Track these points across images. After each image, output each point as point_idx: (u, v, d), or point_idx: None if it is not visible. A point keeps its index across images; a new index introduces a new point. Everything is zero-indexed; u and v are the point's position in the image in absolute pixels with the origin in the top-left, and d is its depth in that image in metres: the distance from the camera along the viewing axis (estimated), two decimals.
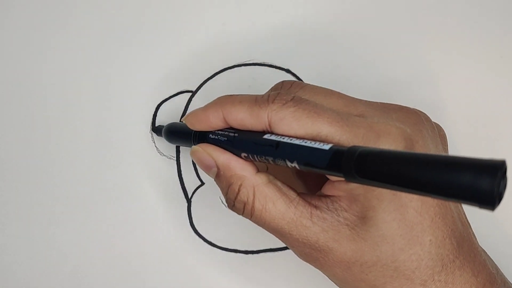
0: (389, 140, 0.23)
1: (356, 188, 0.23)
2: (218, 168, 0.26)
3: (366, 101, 0.26)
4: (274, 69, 0.35)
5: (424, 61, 0.35)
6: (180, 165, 0.34)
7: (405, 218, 0.23)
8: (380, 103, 0.26)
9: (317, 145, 0.22)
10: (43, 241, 0.34)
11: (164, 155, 0.34)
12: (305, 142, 0.22)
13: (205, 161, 0.26)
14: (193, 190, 0.34)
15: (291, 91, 0.26)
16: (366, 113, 0.25)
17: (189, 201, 0.34)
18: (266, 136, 0.24)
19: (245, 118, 0.25)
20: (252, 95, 0.26)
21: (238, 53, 0.35)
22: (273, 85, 0.28)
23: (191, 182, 0.34)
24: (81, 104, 0.35)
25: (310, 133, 0.23)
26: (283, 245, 0.34)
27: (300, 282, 0.34)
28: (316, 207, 0.24)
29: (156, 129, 0.34)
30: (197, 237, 0.34)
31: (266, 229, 0.26)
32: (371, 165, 0.18)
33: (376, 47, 0.35)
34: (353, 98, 0.26)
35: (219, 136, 0.26)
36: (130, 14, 0.35)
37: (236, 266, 0.34)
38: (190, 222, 0.34)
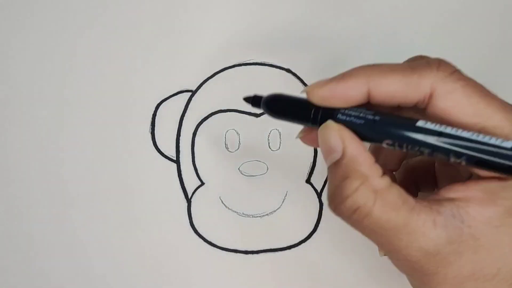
0: None
1: (509, 190, 0.21)
2: (342, 156, 0.22)
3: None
4: (274, 69, 0.35)
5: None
6: (180, 165, 0.34)
7: None
8: None
9: (494, 141, 0.19)
10: (43, 241, 0.34)
11: (164, 155, 0.34)
12: (478, 136, 0.19)
13: (332, 143, 0.22)
14: (193, 190, 0.34)
15: (448, 62, 0.22)
16: None
17: (189, 201, 0.34)
18: (420, 124, 0.21)
19: (399, 89, 0.21)
20: (400, 63, 0.22)
21: (238, 53, 0.35)
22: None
23: (191, 182, 0.34)
24: (81, 104, 0.35)
25: (479, 115, 0.20)
26: (283, 245, 0.34)
27: (300, 282, 0.34)
28: (439, 213, 0.21)
29: (253, 100, 0.26)
30: (197, 237, 0.34)
31: (373, 238, 0.22)
32: None
33: (376, 47, 0.35)
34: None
35: (352, 118, 0.22)
36: (130, 14, 0.35)
37: (236, 266, 0.34)
38: (190, 222, 0.34)
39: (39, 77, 0.35)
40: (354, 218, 0.22)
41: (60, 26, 0.35)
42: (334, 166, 0.22)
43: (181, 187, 0.34)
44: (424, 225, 0.21)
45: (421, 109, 0.22)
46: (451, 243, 0.21)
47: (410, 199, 0.21)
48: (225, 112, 0.34)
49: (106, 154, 0.34)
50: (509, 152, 0.18)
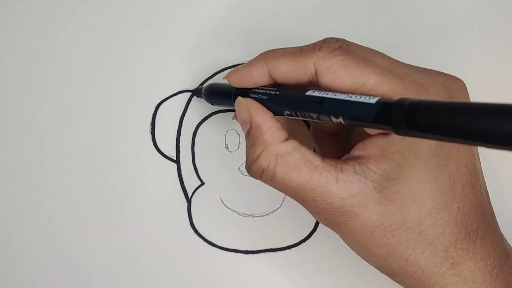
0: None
1: (393, 144, 0.23)
2: (250, 127, 0.25)
3: (410, 64, 0.26)
4: None
5: (424, 60, 0.35)
6: (180, 165, 0.34)
7: (438, 182, 0.23)
8: (423, 68, 0.26)
9: (363, 99, 0.21)
10: (43, 241, 0.34)
11: (164, 155, 0.34)
12: (350, 97, 0.22)
13: (243, 116, 0.26)
14: (193, 190, 0.34)
15: (336, 41, 0.25)
16: (411, 74, 0.24)
17: (189, 201, 0.34)
18: (309, 93, 0.23)
19: (290, 70, 0.24)
20: (295, 47, 0.25)
21: (238, 53, 0.35)
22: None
23: (191, 182, 0.34)
24: (81, 104, 0.35)
25: (356, 82, 0.22)
26: (283, 245, 0.34)
27: (300, 282, 0.34)
28: (342, 170, 0.23)
29: (196, 91, 0.33)
30: (197, 237, 0.34)
31: (287, 194, 0.25)
32: (423, 116, 0.18)
33: (376, 47, 0.35)
34: (398, 60, 0.26)
35: (260, 95, 0.26)
36: (130, 14, 0.35)
37: (236, 266, 0.34)
38: (190, 222, 0.34)
39: (39, 77, 0.35)
40: (263, 179, 0.25)
41: (60, 26, 0.35)
42: (247, 136, 0.26)
43: (181, 187, 0.34)
44: (326, 182, 0.23)
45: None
46: (354, 196, 0.23)
47: (315, 160, 0.24)
48: (225, 112, 0.34)
49: (106, 154, 0.34)
50: (373, 106, 0.20)
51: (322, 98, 0.23)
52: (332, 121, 0.22)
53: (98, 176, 0.34)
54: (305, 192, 0.24)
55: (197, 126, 0.34)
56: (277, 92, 0.25)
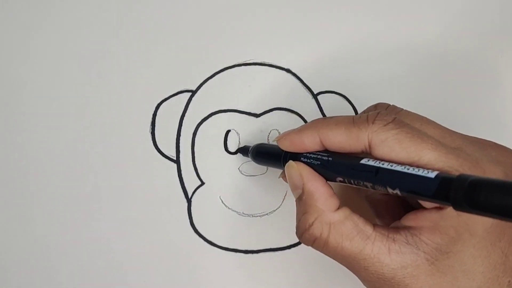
0: None
1: (448, 218, 0.23)
2: (302, 192, 0.26)
3: (461, 134, 0.26)
4: (274, 69, 0.35)
5: (424, 60, 0.35)
6: (180, 165, 0.34)
7: (490, 257, 0.23)
8: (475, 137, 0.26)
9: (421, 172, 0.21)
10: (43, 241, 0.34)
11: (164, 155, 0.34)
12: (408, 169, 0.22)
13: (295, 181, 0.26)
14: (193, 190, 0.34)
15: (389, 112, 0.25)
16: (463, 146, 0.24)
17: (189, 201, 0.34)
18: (364, 161, 0.23)
19: (343, 141, 0.24)
20: (347, 116, 0.25)
21: (238, 53, 0.35)
22: (365, 108, 0.28)
23: (191, 182, 0.34)
24: (81, 104, 0.35)
25: (412, 157, 0.22)
26: (283, 245, 0.34)
27: (300, 282, 0.34)
28: (394, 241, 0.24)
29: (242, 150, 0.34)
30: (197, 237, 0.34)
31: (337, 261, 0.25)
32: (485, 195, 0.18)
33: (376, 46, 0.35)
34: (449, 129, 0.26)
35: (311, 160, 0.26)
36: (131, 14, 0.35)
37: (236, 266, 0.34)
38: (190, 222, 0.34)
39: (39, 77, 0.35)
40: (315, 247, 0.25)
41: (60, 26, 0.35)
42: (298, 201, 0.26)
43: (181, 187, 0.34)
44: (378, 252, 0.24)
45: None
46: (406, 267, 0.23)
47: (367, 229, 0.24)
48: (225, 112, 0.34)
49: (106, 154, 0.34)
50: (432, 181, 0.20)
51: (378, 168, 0.23)
52: (387, 191, 0.22)
53: (98, 176, 0.34)
54: (357, 261, 0.24)
55: (197, 126, 0.34)
56: (330, 158, 0.25)
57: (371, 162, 0.23)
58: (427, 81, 0.35)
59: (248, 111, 0.34)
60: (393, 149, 0.23)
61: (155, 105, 0.34)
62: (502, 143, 0.26)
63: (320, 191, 0.25)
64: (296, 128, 0.27)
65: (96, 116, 0.34)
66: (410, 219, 0.24)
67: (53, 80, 0.35)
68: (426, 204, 0.23)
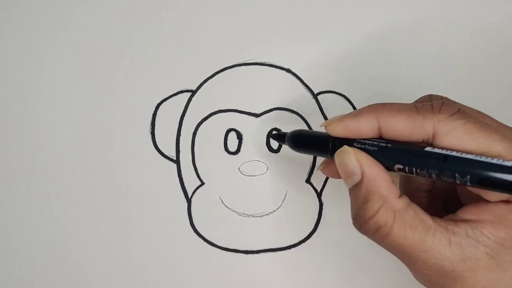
0: None
1: (510, 212, 0.22)
2: (362, 179, 0.24)
3: None
4: (274, 69, 0.35)
5: (424, 60, 0.35)
6: (180, 165, 0.34)
7: None
8: None
9: (496, 161, 0.20)
10: (43, 241, 0.34)
11: (164, 155, 0.34)
12: (480, 157, 0.21)
13: (350, 166, 0.24)
14: (193, 190, 0.34)
15: (452, 103, 0.24)
16: None
17: (189, 201, 0.34)
18: (428, 149, 0.22)
19: (405, 129, 0.23)
20: (408, 103, 0.24)
21: (238, 53, 0.35)
22: (417, 98, 0.27)
23: (191, 182, 0.34)
24: (81, 104, 0.35)
25: (481, 148, 0.22)
26: (283, 245, 0.34)
27: (300, 282, 0.34)
28: (454, 233, 0.23)
29: (277, 136, 0.32)
30: (197, 237, 0.34)
31: (394, 253, 0.24)
32: None
33: (376, 46, 0.35)
34: (503, 123, 0.25)
35: (367, 146, 0.24)
36: (130, 14, 0.35)
37: (236, 266, 0.34)
38: (190, 222, 0.34)
39: (39, 77, 0.35)
40: (377, 237, 0.24)
41: (60, 26, 0.35)
42: (355, 188, 0.24)
43: (181, 187, 0.34)
44: (440, 244, 0.23)
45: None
46: (465, 260, 0.22)
47: (427, 219, 0.23)
48: (225, 112, 0.34)
49: (106, 154, 0.34)
50: (509, 169, 0.20)
51: (446, 155, 0.22)
52: (454, 180, 0.22)
53: (98, 176, 0.34)
54: (417, 252, 0.23)
55: (197, 126, 0.34)
56: (389, 145, 0.24)
57: (437, 150, 0.22)
58: (427, 81, 0.35)
59: (248, 111, 0.34)
60: (461, 139, 0.22)
61: (155, 105, 0.34)
62: None
63: (382, 176, 0.24)
64: (350, 113, 0.25)
65: (96, 116, 0.34)
66: (470, 212, 0.23)
67: (53, 80, 0.35)
68: (493, 196, 0.23)
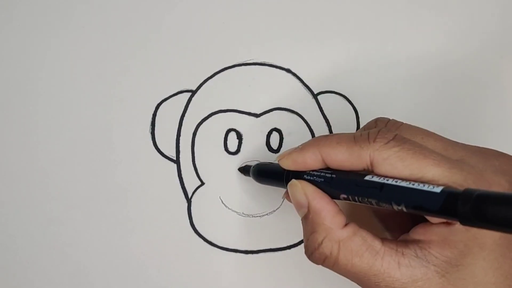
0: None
1: (456, 233, 0.23)
2: (308, 211, 0.25)
3: (463, 144, 0.26)
4: (274, 69, 0.35)
5: (425, 60, 0.35)
6: (180, 165, 0.34)
7: (502, 268, 0.23)
8: (477, 147, 0.26)
9: (426, 187, 0.21)
10: (43, 241, 0.34)
11: (164, 155, 0.34)
12: (413, 184, 0.22)
13: (299, 199, 0.26)
14: (193, 190, 0.34)
15: (389, 129, 0.25)
16: (466, 158, 0.24)
17: (189, 201, 0.34)
18: (368, 178, 0.23)
19: (344, 159, 0.24)
20: (348, 134, 0.25)
21: (238, 53, 0.35)
22: (365, 124, 0.28)
23: (191, 182, 0.34)
24: (81, 104, 0.35)
25: (415, 174, 0.22)
26: (283, 245, 0.34)
27: (300, 282, 0.34)
28: (403, 255, 0.24)
29: (243, 169, 0.33)
30: (197, 237, 0.34)
31: (348, 278, 0.25)
32: (492, 209, 0.18)
33: (376, 46, 0.35)
34: (450, 140, 0.26)
35: (315, 177, 0.26)
36: (130, 14, 0.35)
37: (236, 266, 0.34)
38: (190, 222, 0.34)
39: (38, 77, 0.35)
40: (326, 265, 0.25)
41: (60, 26, 0.35)
42: (304, 220, 0.26)
43: (181, 187, 0.34)
44: (388, 267, 0.23)
45: None
46: (416, 281, 0.23)
47: (375, 244, 0.24)
48: (225, 112, 0.34)
49: (106, 154, 0.34)
50: (438, 196, 0.20)
51: (382, 184, 0.22)
52: (392, 208, 0.22)
53: (98, 176, 0.34)
54: (368, 277, 0.24)
55: (197, 126, 0.34)
56: (333, 175, 0.25)
57: (376, 179, 0.23)
58: (427, 81, 0.35)
59: (248, 111, 0.34)
60: (396, 167, 0.23)
61: (155, 105, 0.34)
62: (506, 150, 0.26)
63: (327, 208, 0.25)
64: (297, 147, 0.27)
65: (96, 116, 0.34)
66: (418, 233, 0.24)
67: (52, 80, 0.35)
68: (433, 219, 0.23)
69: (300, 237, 0.34)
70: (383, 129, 0.25)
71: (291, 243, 0.34)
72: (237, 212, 0.34)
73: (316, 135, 0.34)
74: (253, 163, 0.32)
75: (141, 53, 0.35)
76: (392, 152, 0.23)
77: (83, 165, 0.34)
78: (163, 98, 0.35)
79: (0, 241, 0.34)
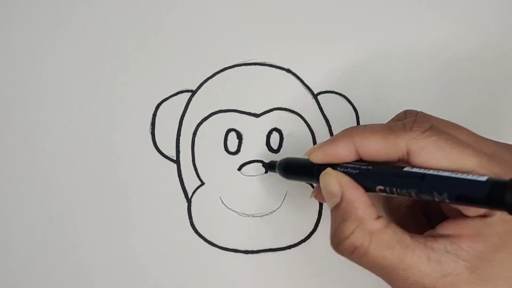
0: None
1: (492, 226, 0.22)
2: (340, 200, 0.25)
3: (493, 140, 0.26)
4: (274, 69, 0.35)
5: (425, 61, 0.35)
6: (180, 165, 0.34)
7: None
8: (507, 144, 0.26)
9: (471, 176, 0.21)
10: (43, 241, 0.34)
11: (164, 155, 0.34)
12: (456, 174, 0.21)
13: (331, 188, 0.25)
14: (193, 190, 0.34)
15: (423, 119, 0.25)
16: (499, 153, 0.24)
17: (189, 201, 0.34)
18: (407, 169, 0.23)
19: (380, 149, 0.24)
20: (382, 124, 0.25)
21: (238, 53, 0.35)
22: (394, 116, 0.27)
23: (191, 182, 0.34)
24: (81, 104, 0.35)
25: (453, 164, 0.22)
26: (283, 245, 0.34)
27: (300, 282, 0.34)
28: (433, 249, 0.23)
29: (268, 165, 0.33)
30: (197, 237, 0.34)
31: (374, 272, 0.25)
32: None
33: (376, 46, 0.35)
34: (480, 136, 0.25)
35: (349, 169, 0.25)
36: (130, 14, 0.35)
37: (236, 266, 0.34)
38: (190, 222, 0.34)
39: (38, 77, 0.35)
40: (354, 257, 0.24)
41: (60, 26, 0.35)
42: (335, 209, 0.25)
43: (181, 187, 0.34)
44: (418, 261, 0.23)
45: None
46: (446, 276, 0.23)
47: (405, 238, 0.24)
48: (225, 112, 0.34)
49: (106, 154, 0.34)
50: (484, 184, 0.20)
51: (423, 174, 0.22)
52: (433, 198, 0.22)
53: (98, 176, 0.34)
54: (397, 271, 0.23)
55: (197, 126, 0.34)
56: (369, 167, 0.25)
57: (415, 169, 0.23)
58: (428, 81, 0.35)
59: (248, 111, 0.34)
60: (434, 156, 0.22)
61: (155, 105, 0.34)
62: None
63: (361, 199, 0.24)
64: (328, 140, 0.26)
65: (96, 116, 0.34)
66: (448, 228, 0.24)
67: (53, 80, 0.35)
68: (470, 211, 0.23)
69: (301, 237, 0.34)
70: (419, 119, 0.24)
71: (291, 243, 0.34)
72: (237, 212, 0.34)
73: (316, 135, 0.34)
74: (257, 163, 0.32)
75: (141, 53, 0.35)
76: (431, 141, 0.23)
77: (83, 165, 0.34)
78: (163, 98, 0.35)
79: (0, 241, 0.34)
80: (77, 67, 0.35)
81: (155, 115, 0.34)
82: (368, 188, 0.25)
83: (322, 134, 0.34)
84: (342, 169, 0.25)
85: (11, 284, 0.34)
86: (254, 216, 0.34)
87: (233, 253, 0.34)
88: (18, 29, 0.35)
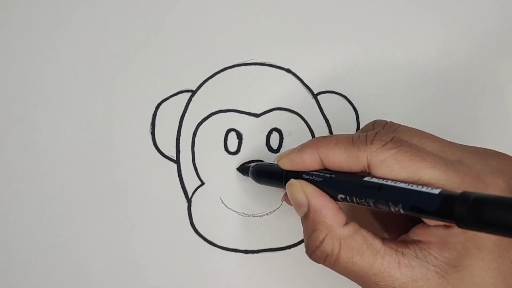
0: (497, 192, 0.23)
1: (454, 235, 0.23)
2: (308, 209, 0.25)
3: (460, 145, 0.26)
4: (274, 69, 0.35)
5: (425, 61, 0.35)
6: (180, 165, 0.34)
7: (501, 268, 0.23)
8: (475, 147, 0.26)
9: (424, 189, 0.21)
10: (43, 241, 0.34)
11: (164, 155, 0.34)
12: (411, 186, 0.22)
13: (298, 198, 0.26)
14: (193, 190, 0.34)
15: (387, 131, 0.25)
16: (464, 159, 0.24)
17: (189, 201, 0.34)
18: (367, 179, 0.24)
19: (342, 160, 0.24)
20: (347, 135, 0.25)
21: (238, 53, 0.35)
22: (363, 125, 0.28)
23: (191, 182, 0.34)
24: (81, 104, 0.35)
25: (412, 176, 0.23)
26: (283, 245, 0.34)
27: (300, 282, 0.34)
28: (403, 255, 0.24)
29: (242, 169, 0.34)
30: (197, 237, 0.34)
31: (348, 277, 0.25)
32: (488, 212, 0.18)
33: (376, 46, 0.35)
34: (448, 141, 0.26)
35: (314, 177, 0.26)
36: (130, 14, 0.35)
37: (236, 266, 0.34)
38: (190, 222, 0.34)
39: (38, 77, 0.35)
40: (327, 264, 0.25)
41: (60, 26, 0.35)
42: (304, 219, 0.26)
43: (181, 187, 0.34)
44: (388, 266, 0.24)
45: None
46: (416, 281, 0.23)
47: (376, 243, 0.24)
48: (225, 112, 0.34)
49: (106, 154, 0.34)
50: (435, 197, 0.20)
51: (381, 185, 0.23)
52: (389, 209, 0.22)
53: (98, 176, 0.34)
54: (368, 276, 0.24)
55: (197, 126, 0.34)
56: (332, 175, 0.25)
57: (374, 180, 0.23)
58: (427, 81, 0.35)
59: (248, 111, 0.34)
60: (392, 169, 0.23)
61: (155, 105, 0.35)
62: (505, 150, 0.26)
63: (327, 206, 0.25)
64: (296, 147, 0.27)
65: (96, 116, 0.34)
66: (418, 234, 0.24)
67: (53, 80, 0.35)
68: (430, 221, 0.23)
69: (300, 237, 0.34)
70: (381, 131, 0.25)
71: (291, 243, 0.34)
72: (237, 212, 0.34)
73: (316, 135, 0.34)
74: (252, 164, 0.32)
75: (141, 53, 0.35)
76: (389, 154, 0.23)
77: (83, 165, 0.34)
78: (163, 98, 0.35)
79: (0, 241, 0.34)
80: (77, 67, 0.35)
81: (155, 115, 0.34)
82: (331, 196, 0.25)
83: (322, 134, 0.34)
84: (308, 177, 0.26)
85: (11, 284, 0.34)
86: (254, 216, 0.34)
87: (233, 253, 0.34)
88: (18, 29, 0.35)
